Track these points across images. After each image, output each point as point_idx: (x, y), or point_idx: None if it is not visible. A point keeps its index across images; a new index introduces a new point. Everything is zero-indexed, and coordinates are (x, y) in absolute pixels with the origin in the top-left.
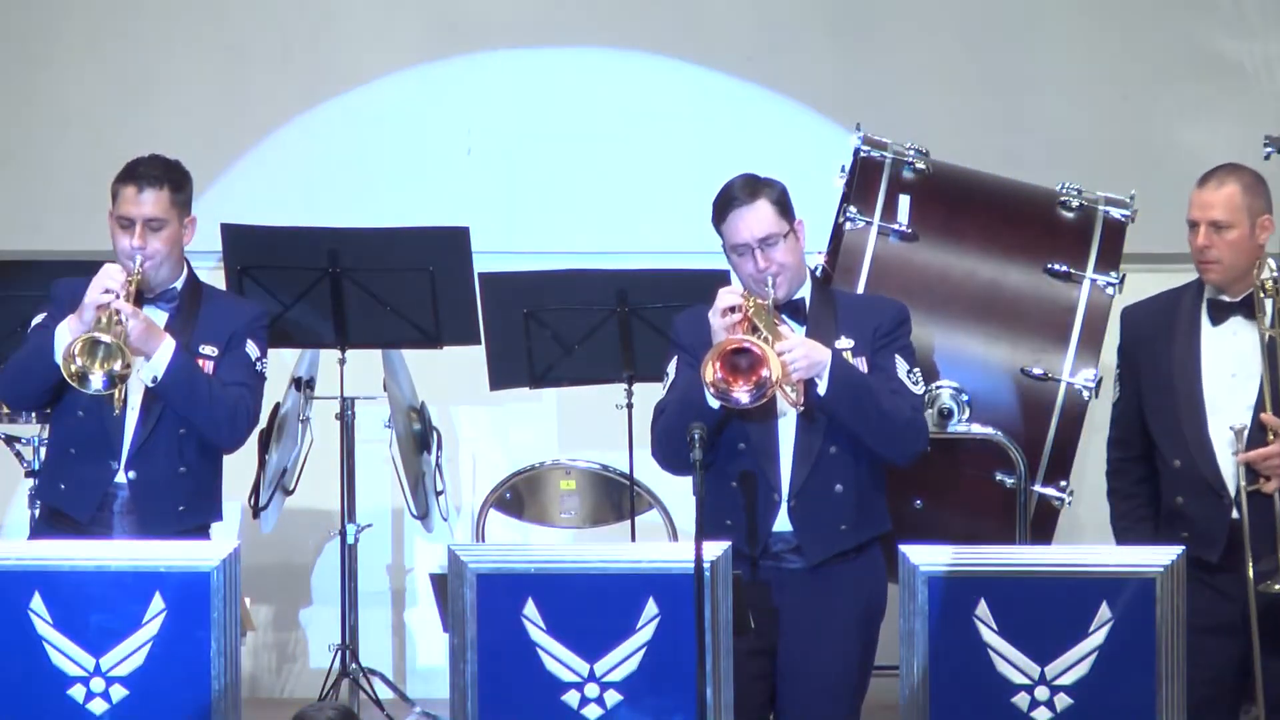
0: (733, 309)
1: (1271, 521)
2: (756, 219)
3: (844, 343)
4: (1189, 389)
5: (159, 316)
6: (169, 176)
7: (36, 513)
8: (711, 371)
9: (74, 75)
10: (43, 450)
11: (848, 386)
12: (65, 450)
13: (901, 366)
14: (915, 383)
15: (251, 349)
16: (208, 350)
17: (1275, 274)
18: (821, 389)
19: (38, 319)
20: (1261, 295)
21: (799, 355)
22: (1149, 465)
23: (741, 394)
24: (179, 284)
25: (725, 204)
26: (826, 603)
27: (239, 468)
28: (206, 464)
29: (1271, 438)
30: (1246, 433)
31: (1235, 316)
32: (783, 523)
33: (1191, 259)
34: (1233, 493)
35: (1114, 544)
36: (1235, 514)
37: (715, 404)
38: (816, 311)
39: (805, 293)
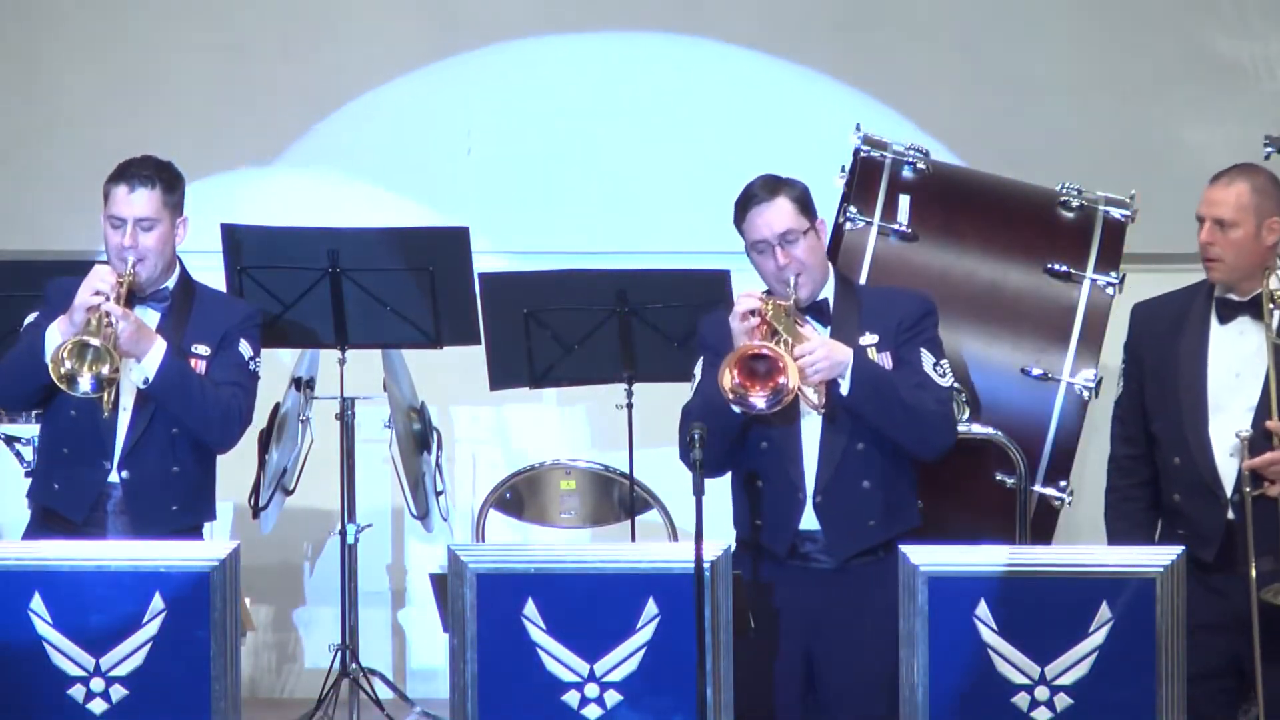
0: (751, 313)
1: (1273, 524)
2: (775, 215)
3: (868, 339)
4: (1192, 387)
5: (151, 316)
6: (160, 176)
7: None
8: (729, 378)
9: (74, 75)
10: None
11: (870, 384)
12: (58, 450)
13: (927, 360)
14: (942, 375)
15: (244, 348)
16: (200, 349)
17: None
18: (844, 389)
19: (30, 318)
20: (1270, 305)
21: (820, 357)
22: (1153, 466)
23: (759, 399)
24: (171, 283)
25: (745, 202)
26: (858, 602)
27: (238, 468)
28: (200, 464)
29: (1277, 443)
30: (1250, 440)
31: (1243, 316)
32: (809, 521)
33: (1196, 258)
34: (1229, 493)
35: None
36: (1231, 514)
37: (736, 408)
38: (840, 310)
39: (829, 292)
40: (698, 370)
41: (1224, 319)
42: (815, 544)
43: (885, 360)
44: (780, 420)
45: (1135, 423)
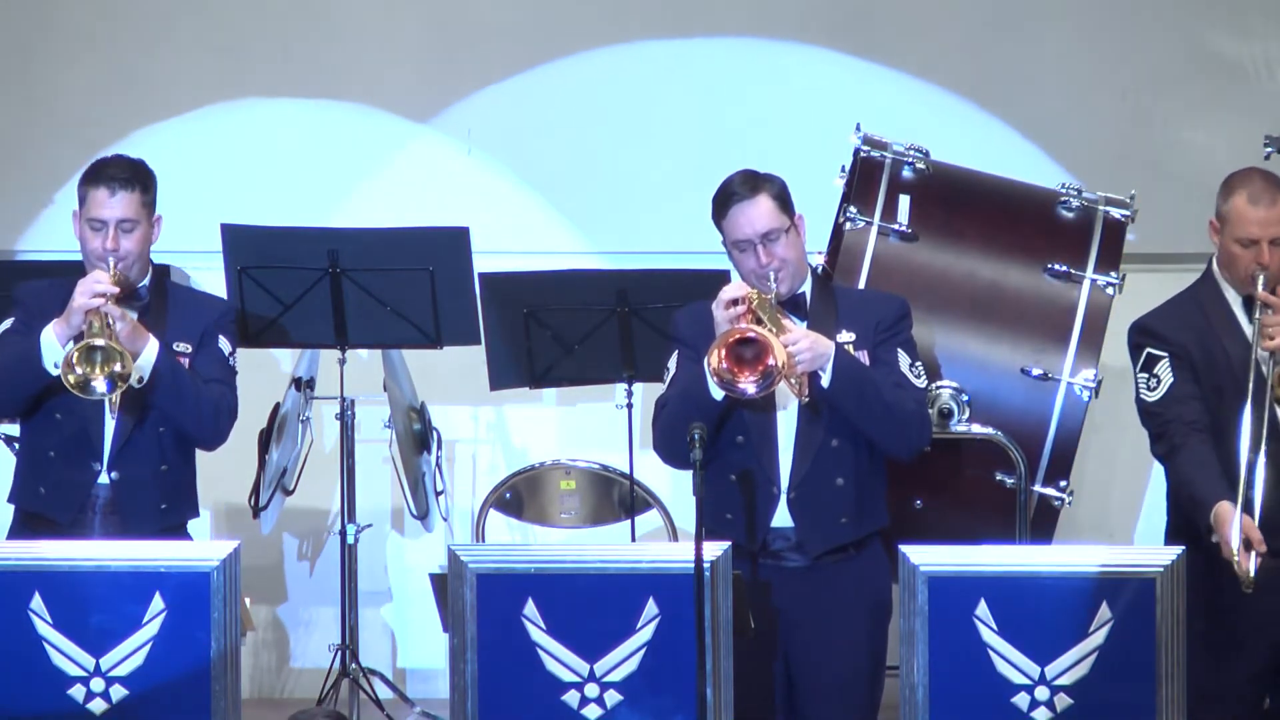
0: (736, 301)
1: None
2: (758, 214)
3: (845, 336)
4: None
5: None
6: (138, 177)
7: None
8: (716, 359)
9: (73, 75)
10: None
11: (851, 378)
12: (43, 454)
13: (904, 360)
14: (918, 376)
15: (224, 344)
16: (181, 347)
17: None
18: (825, 381)
19: (5, 325)
20: None
21: (804, 347)
22: (1211, 437)
23: (748, 384)
24: (145, 283)
25: (725, 199)
26: (829, 601)
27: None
28: (185, 462)
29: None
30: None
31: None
32: (782, 518)
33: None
34: None
35: (1119, 537)
36: None
37: (719, 395)
38: (817, 307)
39: (806, 288)
40: (672, 364)
41: (1252, 315)
42: (786, 541)
43: (862, 359)
44: (756, 414)
45: (1192, 405)
